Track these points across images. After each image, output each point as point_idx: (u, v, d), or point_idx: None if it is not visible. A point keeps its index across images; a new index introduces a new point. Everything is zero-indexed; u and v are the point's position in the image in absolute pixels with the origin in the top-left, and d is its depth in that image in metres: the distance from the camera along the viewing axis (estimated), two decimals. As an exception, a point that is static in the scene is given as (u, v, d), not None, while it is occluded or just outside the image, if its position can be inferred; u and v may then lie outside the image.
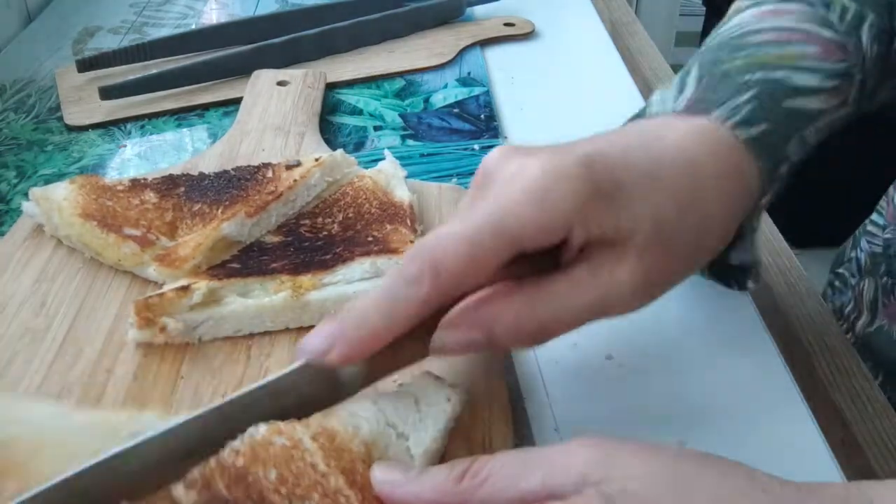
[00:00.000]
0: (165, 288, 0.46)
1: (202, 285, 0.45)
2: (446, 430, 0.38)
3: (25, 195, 0.61)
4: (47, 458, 0.37)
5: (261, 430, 0.35)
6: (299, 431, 0.35)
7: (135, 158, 0.66)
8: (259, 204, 0.51)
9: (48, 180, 0.63)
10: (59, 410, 0.40)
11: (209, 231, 0.49)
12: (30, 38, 0.86)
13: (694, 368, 0.47)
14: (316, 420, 0.36)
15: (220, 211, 0.51)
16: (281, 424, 0.36)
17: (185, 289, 0.45)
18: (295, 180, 0.53)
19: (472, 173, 0.64)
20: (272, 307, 0.45)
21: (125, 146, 0.68)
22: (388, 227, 0.50)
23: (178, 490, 0.33)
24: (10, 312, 0.47)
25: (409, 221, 0.51)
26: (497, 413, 0.42)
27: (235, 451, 0.34)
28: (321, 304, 0.46)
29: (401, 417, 0.37)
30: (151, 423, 0.38)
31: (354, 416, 0.37)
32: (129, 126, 0.70)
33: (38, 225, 0.53)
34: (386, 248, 0.48)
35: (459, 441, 0.40)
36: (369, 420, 0.37)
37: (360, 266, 0.47)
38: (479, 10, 0.92)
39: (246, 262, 0.48)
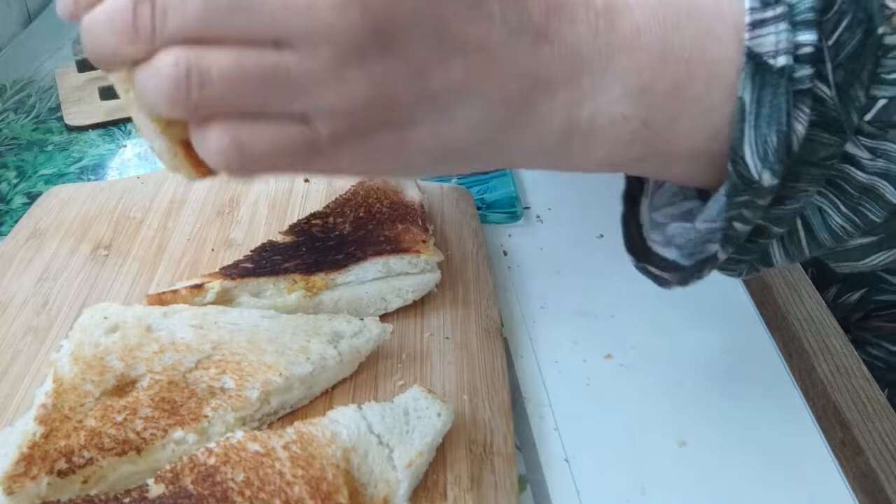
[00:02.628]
0: (178, 285, 0.46)
1: (215, 284, 0.45)
2: (433, 444, 0.38)
3: (26, 195, 0.61)
4: (262, 351, 0.41)
5: (237, 436, 0.36)
6: (274, 440, 0.36)
7: (135, 158, 0.66)
8: None
9: (48, 180, 0.63)
10: (268, 312, 0.44)
11: None
12: (30, 38, 0.86)
13: (694, 368, 0.47)
14: (294, 426, 0.37)
15: None
16: (257, 433, 0.37)
17: (198, 287, 0.45)
18: None
19: (472, 173, 0.64)
20: (285, 307, 0.45)
21: (125, 146, 0.68)
22: (400, 226, 0.50)
23: (150, 483, 0.35)
24: (13, 311, 0.47)
25: (420, 221, 0.51)
26: (497, 413, 0.42)
27: (209, 451, 0.36)
28: (334, 303, 0.46)
29: (387, 427, 0.38)
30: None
31: (334, 423, 0.38)
32: (129, 126, 0.70)
33: (40, 224, 0.53)
34: (398, 248, 0.48)
35: (460, 441, 0.40)
36: (349, 427, 0.37)
37: (372, 266, 0.47)
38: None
39: (258, 261, 0.48)
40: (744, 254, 0.35)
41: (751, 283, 0.55)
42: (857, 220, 0.33)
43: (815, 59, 0.30)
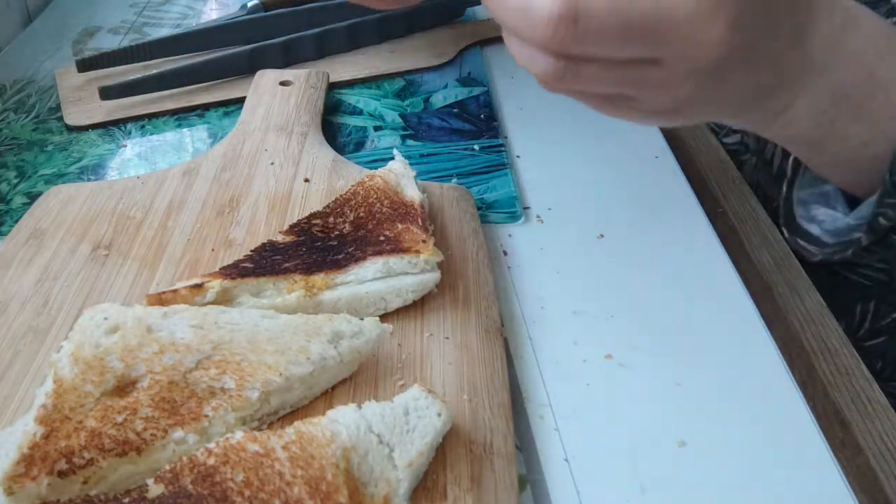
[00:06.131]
0: (178, 285, 0.46)
1: (215, 284, 0.45)
2: (433, 444, 0.38)
3: (26, 195, 0.61)
4: (262, 351, 0.41)
5: (237, 436, 0.36)
6: (273, 440, 0.36)
7: (135, 158, 0.66)
8: None
9: (48, 180, 0.63)
10: (268, 312, 0.44)
11: None
12: (30, 38, 0.86)
13: (694, 368, 0.47)
14: (294, 426, 0.37)
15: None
16: (257, 433, 0.37)
17: (198, 286, 0.45)
18: None
19: (472, 173, 0.64)
20: (285, 307, 0.45)
21: (125, 146, 0.68)
22: (400, 226, 0.50)
23: (149, 483, 0.35)
24: (13, 311, 0.47)
25: (420, 220, 0.51)
26: (497, 413, 0.42)
27: (208, 452, 0.36)
28: (334, 303, 0.46)
29: (387, 427, 0.38)
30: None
31: (334, 423, 0.37)
32: (129, 126, 0.70)
33: (40, 224, 0.53)
34: (398, 248, 0.48)
35: (460, 441, 0.40)
36: (349, 427, 0.37)
37: (372, 265, 0.47)
38: (479, 10, 0.92)
39: (259, 261, 0.48)
40: (883, 249, 0.47)
41: (751, 284, 0.55)
42: None
43: None
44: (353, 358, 0.43)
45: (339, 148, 0.67)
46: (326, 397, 0.42)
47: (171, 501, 0.34)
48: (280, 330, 0.42)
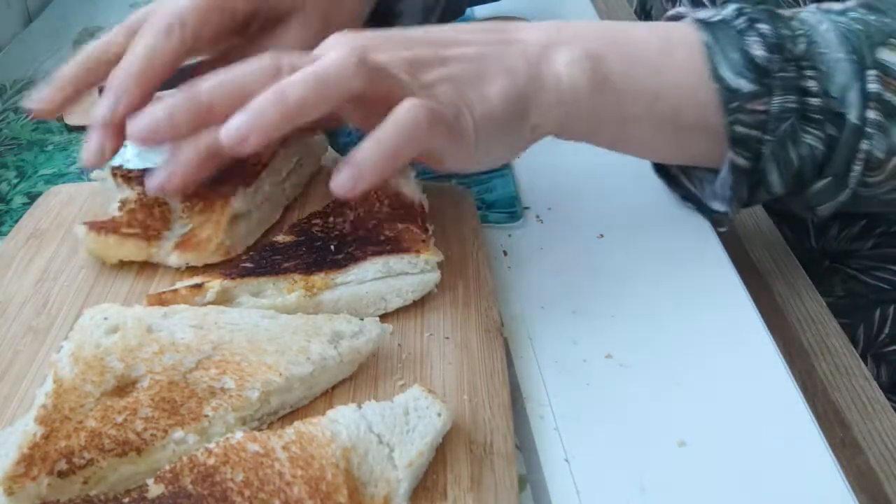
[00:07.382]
0: (178, 285, 0.46)
1: (215, 284, 0.45)
2: (433, 444, 0.38)
3: (26, 195, 0.61)
4: (262, 351, 0.41)
5: (237, 436, 0.36)
6: (273, 440, 0.36)
7: (135, 159, 0.66)
8: (251, 174, 0.52)
9: (48, 180, 0.63)
10: (268, 312, 0.44)
11: (218, 208, 0.50)
12: (30, 38, 0.86)
13: (694, 368, 0.47)
14: (294, 426, 0.37)
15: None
16: (256, 433, 0.37)
17: (198, 286, 0.45)
18: (275, 151, 0.55)
19: (471, 173, 0.64)
20: (285, 307, 0.45)
21: (125, 146, 0.68)
22: (400, 226, 0.50)
23: (149, 483, 0.35)
24: (13, 312, 0.47)
25: (420, 220, 0.51)
26: (497, 413, 0.42)
27: (208, 451, 0.36)
28: (334, 303, 0.46)
29: (387, 427, 0.38)
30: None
31: (334, 423, 0.37)
32: (129, 126, 0.70)
33: (40, 224, 0.53)
34: (398, 248, 0.48)
35: (460, 441, 0.40)
36: (349, 427, 0.37)
37: (372, 265, 0.47)
38: (479, 10, 0.92)
39: (258, 261, 0.48)
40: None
41: (751, 284, 0.55)
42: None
43: (741, 13, 0.48)
44: (353, 358, 0.43)
45: (339, 148, 0.67)
46: (326, 397, 0.42)
47: (171, 501, 0.34)
48: (280, 330, 0.42)
